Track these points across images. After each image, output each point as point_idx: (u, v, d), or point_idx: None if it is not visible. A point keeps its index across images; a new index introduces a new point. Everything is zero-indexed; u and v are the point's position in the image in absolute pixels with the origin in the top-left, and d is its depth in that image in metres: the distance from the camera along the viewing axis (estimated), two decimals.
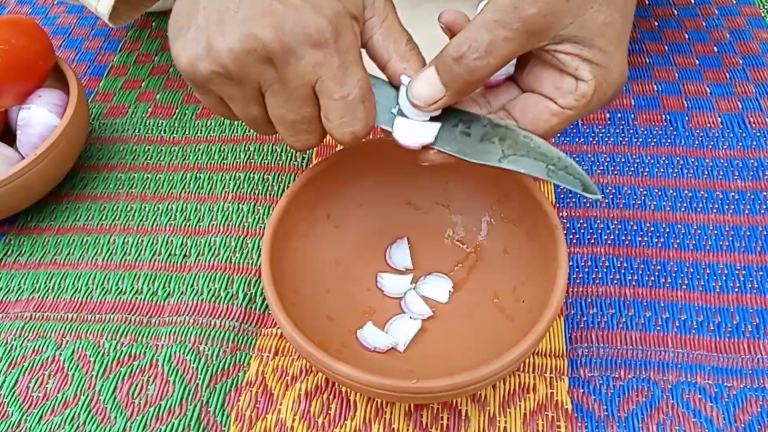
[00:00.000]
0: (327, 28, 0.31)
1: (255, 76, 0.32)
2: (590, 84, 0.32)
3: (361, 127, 0.33)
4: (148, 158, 0.54)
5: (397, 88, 0.35)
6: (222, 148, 0.54)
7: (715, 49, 0.58)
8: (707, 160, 0.50)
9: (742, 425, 0.37)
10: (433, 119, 0.34)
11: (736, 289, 0.43)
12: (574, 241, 0.46)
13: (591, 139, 0.52)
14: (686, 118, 0.53)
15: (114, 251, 0.48)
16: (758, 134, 0.51)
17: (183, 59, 0.33)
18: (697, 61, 0.58)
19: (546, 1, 0.30)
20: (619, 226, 0.46)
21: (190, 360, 0.41)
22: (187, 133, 0.56)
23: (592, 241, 0.46)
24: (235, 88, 0.33)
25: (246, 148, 0.53)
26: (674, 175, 0.49)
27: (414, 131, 0.34)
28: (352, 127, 0.33)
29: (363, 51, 0.35)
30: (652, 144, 0.51)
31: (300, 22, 0.30)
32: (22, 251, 0.49)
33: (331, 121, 0.33)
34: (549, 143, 0.33)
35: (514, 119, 0.34)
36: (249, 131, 0.55)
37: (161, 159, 0.54)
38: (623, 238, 0.46)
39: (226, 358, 0.41)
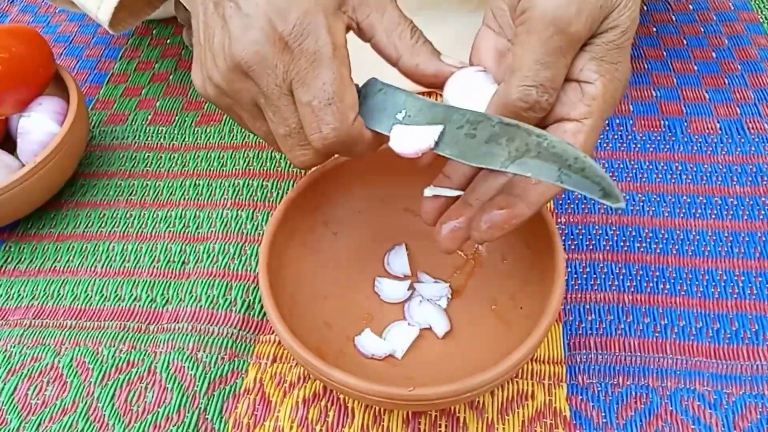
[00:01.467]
0: (291, 32, 0.30)
1: (246, 93, 0.32)
2: (597, 84, 0.30)
3: (331, 130, 0.31)
4: (148, 165, 0.54)
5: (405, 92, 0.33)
6: (221, 155, 0.54)
7: (714, 54, 0.59)
8: (706, 166, 0.50)
9: None
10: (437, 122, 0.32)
11: (735, 296, 0.43)
12: (573, 247, 0.46)
13: None
14: (685, 123, 0.53)
15: (113, 258, 0.48)
16: (757, 140, 0.51)
17: (197, 83, 0.34)
18: (695, 67, 0.58)
19: (586, 11, 0.28)
20: (618, 233, 0.46)
21: (188, 367, 0.41)
22: (186, 140, 0.56)
23: (591, 247, 0.46)
24: (236, 105, 0.33)
25: (245, 155, 0.54)
26: (673, 180, 0.49)
27: (413, 137, 0.32)
28: (322, 131, 0.31)
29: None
30: (651, 150, 0.51)
31: (267, 31, 0.30)
32: (22, 258, 0.49)
33: (305, 128, 0.32)
34: (566, 143, 0.29)
35: None
36: (248, 138, 0.55)
37: (161, 166, 0.54)
38: (621, 244, 0.46)
39: (224, 365, 0.41)
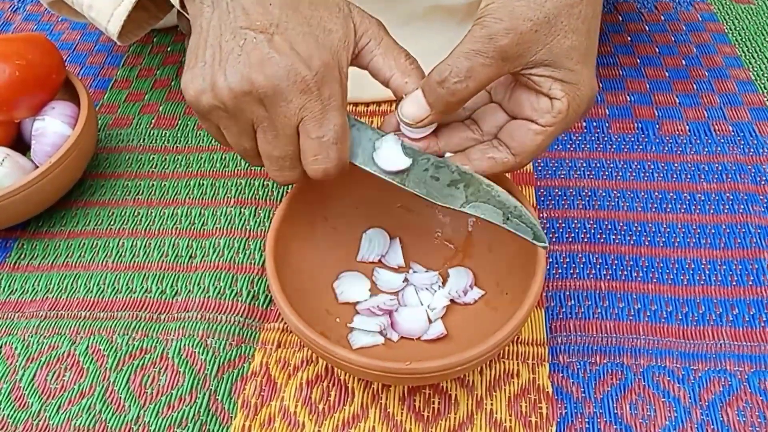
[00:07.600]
0: (312, 79, 0.35)
1: (249, 114, 0.36)
2: (563, 101, 0.36)
3: (333, 165, 0.37)
4: (153, 166, 0.57)
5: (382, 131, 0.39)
6: (223, 156, 0.57)
7: (684, 62, 0.63)
8: (676, 165, 0.54)
9: (706, 403, 0.40)
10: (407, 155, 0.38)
11: (702, 282, 0.46)
12: (554, 239, 0.49)
13: (569, 146, 0.56)
14: (657, 126, 0.57)
15: (123, 253, 0.51)
16: (722, 141, 0.55)
17: (190, 91, 0.37)
18: (666, 74, 0.62)
19: (517, 32, 0.34)
20: (595, 226, 0.50)
21: (199, 352, 0.44)
22: (189, 142, 0.59)
23: (570, 239, 0.49)
24: (230, 121, 0.37)
25: None
26: (645, 178, 0.53)
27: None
28: (324, 164, 0.37)
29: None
30: (625, 150, 0.55)
31: (291, 72, 0.34)
32: (35, 255, 0.52)
33: (306, 158, 0.37)
34: (507, 194, 0.37)
35: (507, 146, 0.38)
36: None
37: (165, 167, 0.57)
38: (598, 236, 0.49)
39: (232, 351, 0.44)
